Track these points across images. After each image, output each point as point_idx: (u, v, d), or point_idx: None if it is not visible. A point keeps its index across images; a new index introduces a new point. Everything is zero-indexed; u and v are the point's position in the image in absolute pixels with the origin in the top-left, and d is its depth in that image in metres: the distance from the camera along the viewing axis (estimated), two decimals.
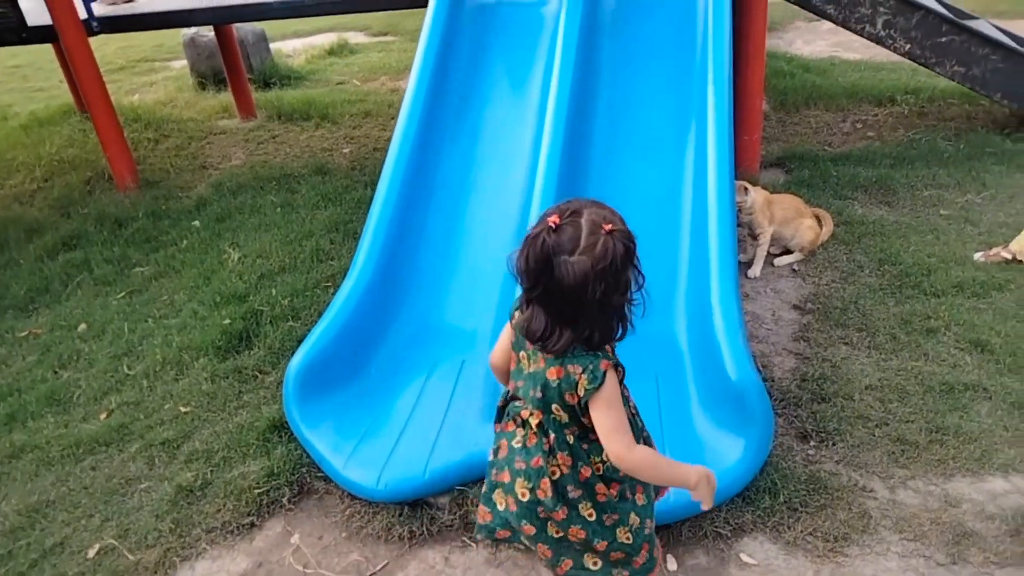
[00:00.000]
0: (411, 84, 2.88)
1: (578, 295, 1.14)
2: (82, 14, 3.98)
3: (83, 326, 2.94)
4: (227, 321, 2.74)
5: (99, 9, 4.11)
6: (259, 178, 4.20)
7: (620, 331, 1.22)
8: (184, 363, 2.60)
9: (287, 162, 4.52)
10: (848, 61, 5.23)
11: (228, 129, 5.28)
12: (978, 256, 2.76)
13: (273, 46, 7.28)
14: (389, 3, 3.81)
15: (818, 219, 3.02)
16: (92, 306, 3.08)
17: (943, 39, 3.41)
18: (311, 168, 4.29)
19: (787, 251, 2.97)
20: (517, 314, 1.30)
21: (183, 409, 2.37)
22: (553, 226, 1.14)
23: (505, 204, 2.57)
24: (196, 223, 3.71)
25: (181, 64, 7.14)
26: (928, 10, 3.37)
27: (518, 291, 1.25)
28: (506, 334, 1.36)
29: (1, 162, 4.93)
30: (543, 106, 2.75)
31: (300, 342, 2.33)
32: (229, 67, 5.25)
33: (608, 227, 1.14)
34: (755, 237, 2.90)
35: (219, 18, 4.39)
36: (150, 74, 7.35)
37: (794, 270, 2.88)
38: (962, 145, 3.63)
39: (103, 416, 2.40)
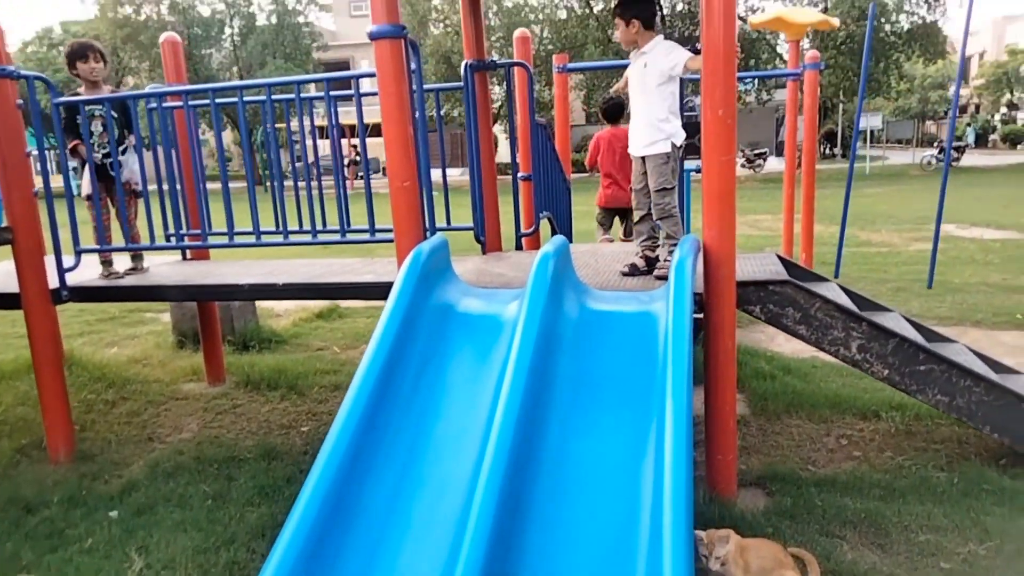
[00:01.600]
0: (355, 383, 2.68)
1: None
2: (54, 283, 3.98)
3: None
4: None
5: (72, 278, 4.11)
6: (201, 459, 3.90)
7: None
8: None
9: (239, 439, 4.25)
10: (830, 364, 5.13)
11: (192, 394, 5.10)
12: None
13: (265, 305, 7.40)
14: (354, 293, 3.79)
15: (798, 560, 2.65)
16: None
17: (922, 367, 3.28)
18: (260, 450, 4.01)
19: None
20: None
21: None
22: None
23: (433, 546, 2.23)
24: (113, 514, 3.34)
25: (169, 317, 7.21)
26: (903, 338, 3.29)
27: None
28: None
29: None
30: (490, 422, 2.53)
31: None
32: (205, 331, 5.21)
33: None
34: None
35: (190, 296, 4.40)
36: (138, 326, 7.38)
37: None
38: (956, 479, 3.34)
39: None
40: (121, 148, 4.28)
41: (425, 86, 4.65)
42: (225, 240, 4.16)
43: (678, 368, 2.58)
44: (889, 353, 3.31)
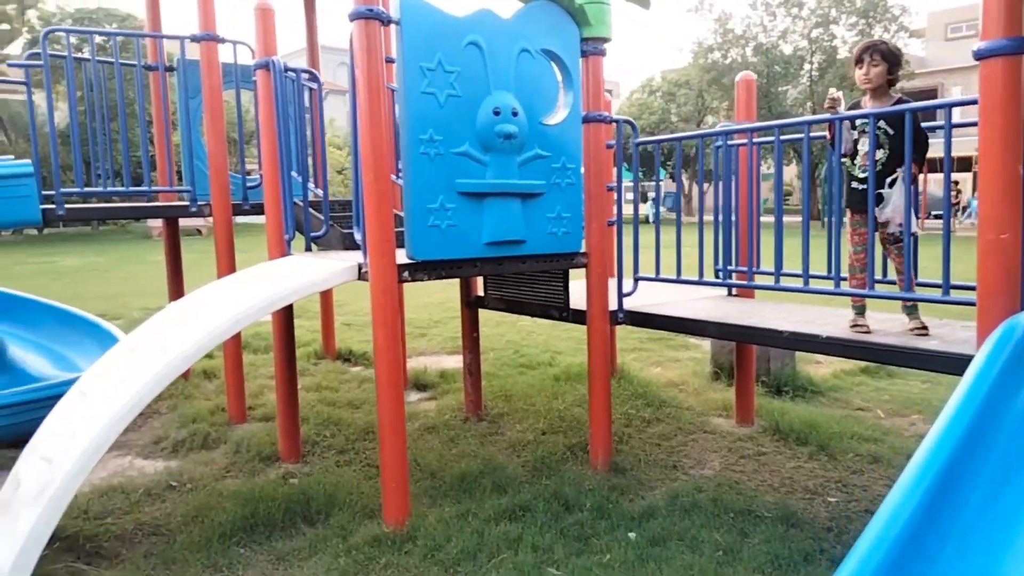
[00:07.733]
0: (900, 486, 2.21)
1: None
2: (613, 306, 4.41)
3: None
4: None
5: (628, 303, 4.49)
6: (718, 503, 3.80)
7: None
8: None
9: (758, 492, 4.03)
10: None
11: (719, 430, 5.09)
12: None
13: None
14: (907, 360, 3.19)
15: None
16: None
17: None
18: (779, 511, 3.71)
19: None
20: None
21: None
22: None
23: None
24: (632, 535, 3.49)
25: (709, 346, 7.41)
26: None
27: None
28: None
29: (523, 405, 5.66)
30: None
31: None
32: (739, 369, 5.15)
33: None
34: None
35: (728, 335, 4.34)
36: (680, 350, 7.81)
37: None
38: None
39: None
40: (889, 179, 3.51)
41: None
42: (770, 282, 3.99)
43: None
44: None
